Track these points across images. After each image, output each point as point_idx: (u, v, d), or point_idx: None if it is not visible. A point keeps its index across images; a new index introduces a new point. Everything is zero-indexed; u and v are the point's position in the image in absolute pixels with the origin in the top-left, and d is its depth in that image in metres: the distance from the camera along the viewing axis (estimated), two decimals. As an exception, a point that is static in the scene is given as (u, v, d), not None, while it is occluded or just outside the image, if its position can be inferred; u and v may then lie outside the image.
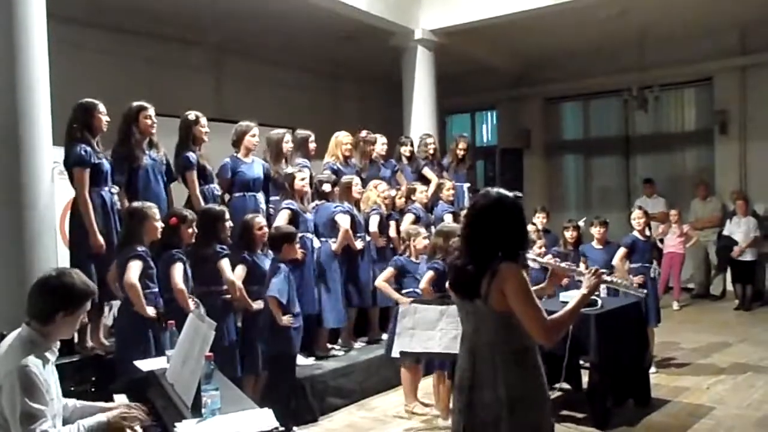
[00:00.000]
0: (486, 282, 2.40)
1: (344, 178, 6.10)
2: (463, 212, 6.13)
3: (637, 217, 6.13)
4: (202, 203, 5.11)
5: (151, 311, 4.06)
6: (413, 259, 5.22)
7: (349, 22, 8.16)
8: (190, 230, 4.44)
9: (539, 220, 7.00)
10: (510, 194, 2.57)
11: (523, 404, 2.43)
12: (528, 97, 11.74)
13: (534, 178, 11.56)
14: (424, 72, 8.87)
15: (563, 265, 3.08)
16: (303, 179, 5.65)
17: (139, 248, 4.12)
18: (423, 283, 4.81)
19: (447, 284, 2.65)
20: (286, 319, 4.55)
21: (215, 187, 5.43)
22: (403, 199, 6.71)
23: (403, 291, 5.08)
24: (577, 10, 8.12)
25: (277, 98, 9.50)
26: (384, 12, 8.22)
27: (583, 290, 2.62)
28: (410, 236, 5.27)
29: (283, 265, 4.63)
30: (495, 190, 2.57)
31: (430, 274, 4.78)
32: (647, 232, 6.22)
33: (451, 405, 2.62)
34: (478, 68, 10.72)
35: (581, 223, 6.59)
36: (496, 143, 12.31)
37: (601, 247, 6.14)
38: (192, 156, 5.20)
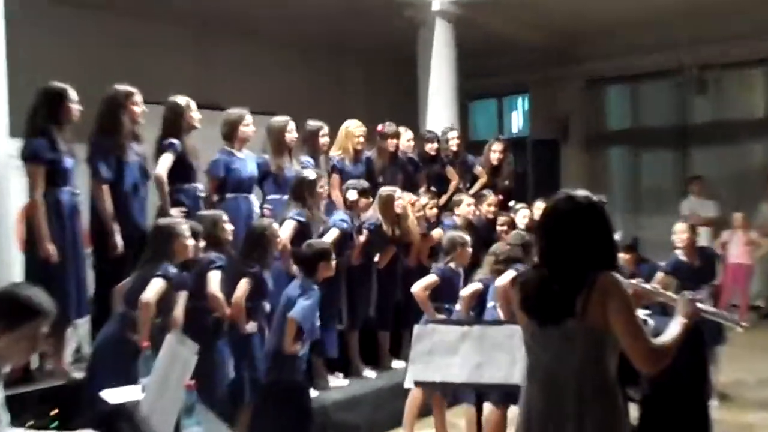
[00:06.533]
0: (582, 297, 2.42)
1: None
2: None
3: (678, 232, 5.94)
4: (172, 211, 5.15)
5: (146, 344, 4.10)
6: (454, 268, 5.47)
7: (355, -9, 8.21)
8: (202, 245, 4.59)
9: None
10: (597, 198, 2.61)
11: None
12: (565, 79, 11.72)
13: (572, 176, 11.52)
14: (442, 50, 8.90)
15: (648, 286, 3.15)
16: (323, 187, 5.76)
17: (169, 268, 4.24)
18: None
19: (518, 305, 2.62)
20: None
21: (198, 187, 5.47)
22: (435, 210, 6.79)
23: (434, 304, 5.31)
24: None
25: (269, 82, 9.54)
26: (396, -21, 8.28)
27: (682, 319, 2.63)
28: (456, 245, 5.45)
29: (316, 288, 4.74)
30: (582, 193, 2.60)
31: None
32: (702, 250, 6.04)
33: None
34: (506, 45, 10.71)
35: (617, 237, 6.58)
36: (528, 134, 12.30)
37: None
38: (177, 143, 5.24)
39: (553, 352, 2.51)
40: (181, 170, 5.29)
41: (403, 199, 6.23)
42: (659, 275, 5.89)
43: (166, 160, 5.19)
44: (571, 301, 2.44)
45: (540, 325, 2.53)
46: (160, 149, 5.27)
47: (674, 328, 2.57)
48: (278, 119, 6.04)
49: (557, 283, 2.49)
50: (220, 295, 4.57)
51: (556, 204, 2.61)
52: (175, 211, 5.11)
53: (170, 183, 5.24)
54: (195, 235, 4.55)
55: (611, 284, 2.43)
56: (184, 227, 4.44)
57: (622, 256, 6.32)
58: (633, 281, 3.21)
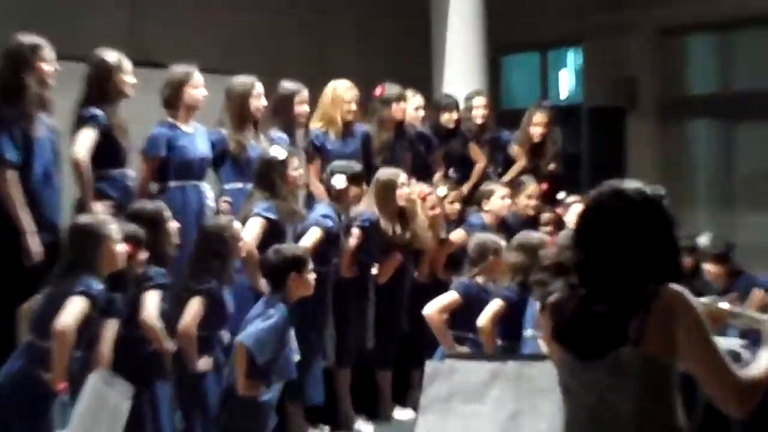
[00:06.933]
0: (638, 319, 2.46)
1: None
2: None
3: None
4: (95, 206, 5.19)
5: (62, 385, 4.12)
6: (483, 284, 5.51)
7: None
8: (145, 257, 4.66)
9: None
10: (652, 190, 2.63)
11: None
12: (632, 27, 11.70)
13: (641, 157, 11.49)
14: (465, -16, 8.94)
15: (725, 305, 3.13)
16: (298, 169, 5.79)
17: (93, 283, 4.24)
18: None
19: (550, 335, 2.66)
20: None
21: (127, 173, 5.51)
22: (458, 205, 6.82)
23: (454, 333, 5.37)
24: None
25: (225, 32, 9.52)
26: None
27: None
28: (487, 253, 5.50)
29: (282, 306, 4.74)
30: (632, 185, 2.63)
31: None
32: None
33: None
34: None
35: (704, 241, 6.64)
36: (582, 100, 12.29)
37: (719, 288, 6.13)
38: (100, 115, 5.27)
39: (599, 393, 2.54)
40: (106, 150, 5.34)
41: (408, 187, 6.25)
42: (756, 293, 5.94)
43: (87, 137, 5.23)
44: (622, 325, 2.47)
45: (581, 359, 2.58)
46: (79, 122, 5.31)
47: (765, 357, 2.60)
48: (240, 80, 6.08)
49: (604, 303, 2.53)
50: (157, 323, 4.61)
51: (598, 201, 2.65)
52: (99, 206, 5.14)
53: (92, 168, 5.27)
54: (136, 241, 4.59)
55: (679, 300, 2.47)
56: (113, 228, 4.46)
57: (711, 269, 6.36)
58: (704, 299, 3.23)
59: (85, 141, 5.22)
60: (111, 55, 5.42)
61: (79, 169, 5.20)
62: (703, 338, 2.45)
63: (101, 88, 5.36)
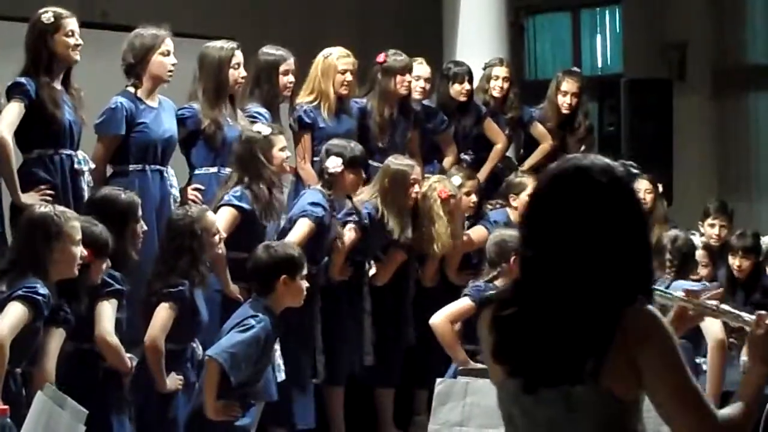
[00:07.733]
0: (598, 348, 2.32)
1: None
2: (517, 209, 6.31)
3: None
4: (23, 197, 5.17)
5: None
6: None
7: None
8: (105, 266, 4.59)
9: (714, 230, 6.99)
10: (622, 169, 2.46)
11: None
12: (681, -18, 11.73)
13: (692, 137, 11.48)
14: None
15: (711, 303, 3.00)
16: (285, 150, 5.79)
17: (37, 285, 4.19)
18: None
19: (489, 353, 2.57)
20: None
21: (77, 156, 5.50)
22: (474, 197, 6.80)
23: (468, 347, 5.31)
24: None
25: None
26: None
27: (760, 366, 2.50)
28: (508, 254, 5.42)
29: (264, 317, 4.73)
30: (599, 160, 2.43)
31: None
32: None
33: None
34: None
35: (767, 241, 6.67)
36: (621, 70, 12.28)
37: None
38: (28, 84, 5.27)
39: (548, 428, 2.44)
40: (36, 128, 5.32)
41: (420, 186, 6.23)
42: None
43: (9, 112, 5.23)
44: (576, 355, 2.34)
45: (526, 389, 2.45)
46: (6, 95, 5.30)
47: (746, 383, 2.49)
48: (216, 46, 6.07)
49: (553, 323, 2.38)
50: (115, 339, 4.58)
51: (551, 181, 2.46)
52: (32, 197, 5.14)
53: (25, 149, 5.30)
54: (97, 246, 4.52)
55: (649, 324, 2.34)
56: (73, 226, 4.39)
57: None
58: (677, 293, 3.07)
59: (9, 117, 5.21)
60: (46, 15, 5.37)
61: (5, 152, 5.17)
62: (676, 364, 2.31)
63: (36, 54, 5.34)
